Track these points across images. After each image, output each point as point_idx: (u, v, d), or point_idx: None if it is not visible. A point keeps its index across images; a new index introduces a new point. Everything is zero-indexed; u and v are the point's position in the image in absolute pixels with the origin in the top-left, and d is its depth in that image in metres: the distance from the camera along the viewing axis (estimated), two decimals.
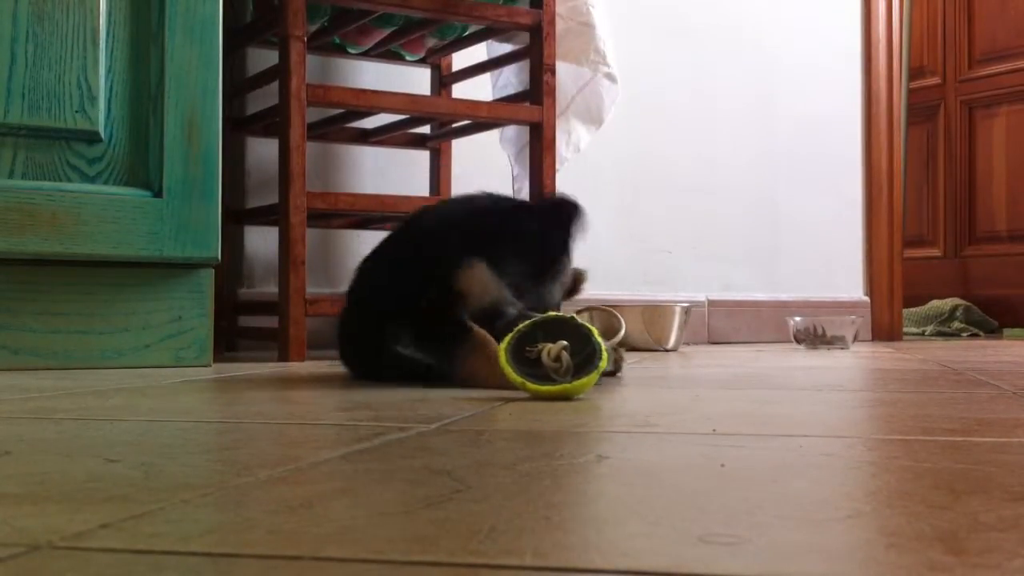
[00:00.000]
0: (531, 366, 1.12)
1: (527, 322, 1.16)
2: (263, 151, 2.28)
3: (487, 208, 1.37)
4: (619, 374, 1.41)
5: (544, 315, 1.18)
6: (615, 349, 1.37)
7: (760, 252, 3.06)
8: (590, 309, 2.25)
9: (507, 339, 1.14)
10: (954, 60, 4.25)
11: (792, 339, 2.55)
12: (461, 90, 2.43)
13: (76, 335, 1.61)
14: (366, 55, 2.33)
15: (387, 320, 1.28)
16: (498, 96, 2.29)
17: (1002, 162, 4.11)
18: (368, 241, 2.41)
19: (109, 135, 1.63)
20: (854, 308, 3.11)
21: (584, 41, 2.23)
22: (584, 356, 1.13)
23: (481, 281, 1.24)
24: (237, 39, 2.15)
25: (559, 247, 1.39)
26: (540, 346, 1.12)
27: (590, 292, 2.49)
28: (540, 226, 1.37)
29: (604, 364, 1.12)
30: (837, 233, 3.19)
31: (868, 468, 0.68)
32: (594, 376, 1.11)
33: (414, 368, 1.27)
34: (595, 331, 1.15)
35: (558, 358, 1.11)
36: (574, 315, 1.18)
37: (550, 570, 0.41)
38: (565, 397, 1.10)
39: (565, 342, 1.12)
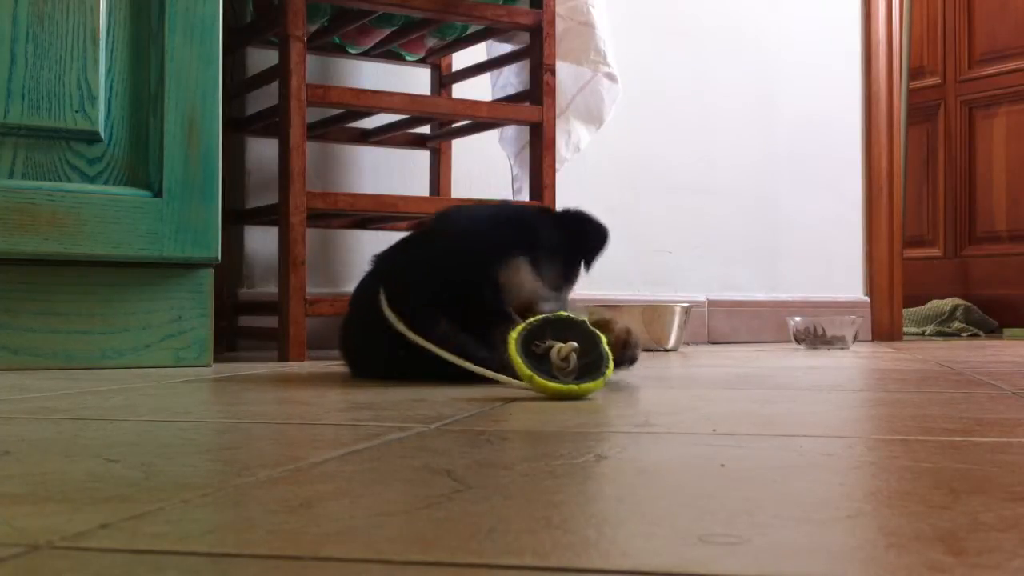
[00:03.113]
0: (537, 361, 1.12)
1: (538, 317, 1.17)
2: (263, 151, 2.28)
3: (524, 215, 1.49)
4: (632, 366, 1.40)
5: (556, 314, 1.19)
6: (633, 346, 1.38)
7: (760, 252, 3.06)
8: (589, 308, 2.25)
9: (517, 330, 1.14)
10: (954, 60, 4.25)
11: (792, 339, 2.55)
12: (461, 90, 2.43)
13: (76, 335, 1.61)
14: (366, 55, 2.33)
15: (420, 312, 1.31)
16: (498, 96, 2.29)
17: (1002, 162, 4.11)
18: (368, 241, 2.41)
19: (109, 135, 1.63)
20: (854, 308, 3.11)
21: (584, 41, 2.23)
22: (591, 359, 1.14)
23: (520, 275, 1.35)
24: (237, 39, 2.14)
25: (580, 262, 1.51)
26: (549, 343, 1.13)
27: (593, 292, 2.50)
28: (569, 239, 1.49)
29: (611, 372, 1.14)
30: (837, 233, 3.19)
31: (868, 468, 0.68)
32: (600, 382, 1.12)
33: (432, 365, 1.27)
34: (604, 338, 1.17)
35: (567, 358, 1.12)
36: (585, 319, 1.19)
37: (550, 570, 0.41)
38: (571, 397, 1.10)
39: (576, 344, 1.13)
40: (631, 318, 2.27)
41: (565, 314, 1.19)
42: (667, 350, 2.38)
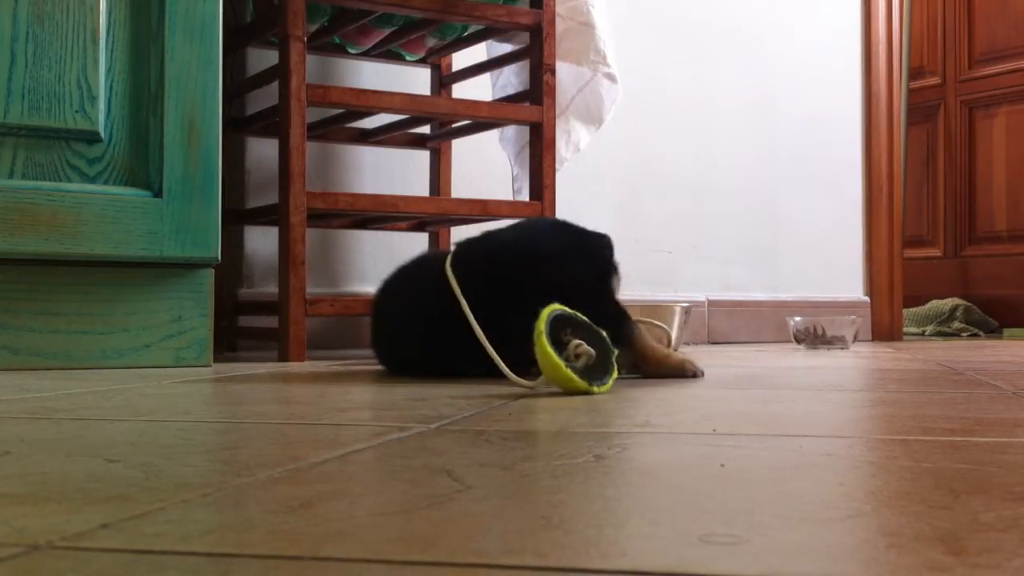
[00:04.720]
0: (556, 351, 1.16)
1: (567, 309, 1.20)
2: (263, 151, 2.28)
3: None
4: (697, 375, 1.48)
5: (569, 311, 1.22)
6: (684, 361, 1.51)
7: (760, 252, 3.06)
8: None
9: (543, 318, 1.16)
10: (954, 60, 4.25)
11: (792, 339, 2.55)
12: (461, 90, 2.43)
13: (76, 335, 1.61)
14: (366, 55, 2.33)
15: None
16: (498, 96, 2.29)
17: (1002, 162, 4.11)
18: (368, 241, 2.41)
19: (109, 135, 1.63)
20: (854, 308, 3.11)
21: (584, 41, 2.23)
22: (596, 360, 1.19)
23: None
24: (237, 39, 2.14)
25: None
26: (569, 337, 1.17)
27: None
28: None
29: (615, 375, 1.23)
30: (837, 233, 3.19)
31: (868, 468, 0.68)
32: (609, 384, 1.20)
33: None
34: (608, 339, 1.24)
35: (578, 355, 1.16)
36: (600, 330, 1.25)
37: (550, 570, 0.41)
38: (583, 393, 1.16)
39: (592, 351, 1.17)
40: None
41: (573, 312, 1.23)
42: None
